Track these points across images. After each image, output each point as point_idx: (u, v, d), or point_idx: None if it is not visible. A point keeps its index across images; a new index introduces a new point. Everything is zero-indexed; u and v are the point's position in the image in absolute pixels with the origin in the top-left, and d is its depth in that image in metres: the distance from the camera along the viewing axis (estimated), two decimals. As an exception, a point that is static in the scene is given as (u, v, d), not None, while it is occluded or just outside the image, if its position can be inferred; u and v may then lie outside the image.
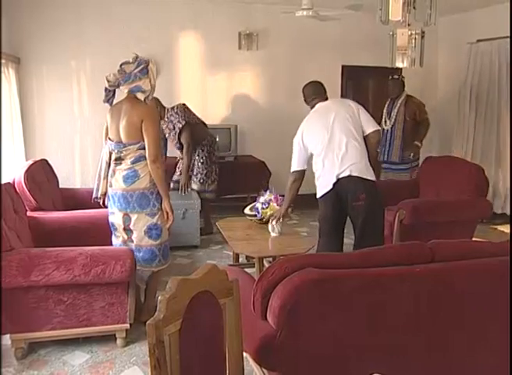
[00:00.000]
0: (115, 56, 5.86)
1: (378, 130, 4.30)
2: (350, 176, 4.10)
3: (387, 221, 5.25)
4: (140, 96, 3.65)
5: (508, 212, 7.05)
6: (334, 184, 4.14)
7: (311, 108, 4.40)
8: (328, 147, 4.18)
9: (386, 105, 6.69)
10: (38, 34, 6.62)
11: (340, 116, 4.19)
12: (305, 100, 4.44)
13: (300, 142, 4.27)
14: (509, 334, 2.54)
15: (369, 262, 2.47)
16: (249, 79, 7.65)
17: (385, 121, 6.62)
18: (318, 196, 4.30)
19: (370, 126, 4.24)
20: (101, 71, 6.56)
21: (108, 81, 3.68)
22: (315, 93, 4.39)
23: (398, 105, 6.50)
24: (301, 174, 4.34)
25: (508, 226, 6.84)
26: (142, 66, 3.62)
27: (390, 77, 6.58)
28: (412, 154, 6.52)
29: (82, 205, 4.63)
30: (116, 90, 3.79)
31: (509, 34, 6.64)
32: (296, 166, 4.32)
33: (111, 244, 3.84)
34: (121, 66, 3.68)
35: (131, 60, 3.67)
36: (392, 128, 6.55)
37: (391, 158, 6.59)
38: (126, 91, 3.66)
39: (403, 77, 6.57)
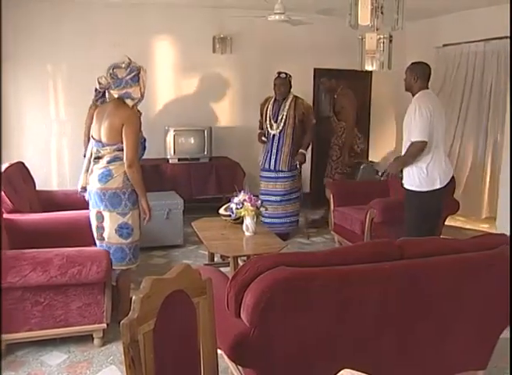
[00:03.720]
0: (91, 60, 5.94)
1: None
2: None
3: (358, 220, 5.40)
4: (129, 102, 3.71)
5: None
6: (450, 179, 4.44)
7: (415, 90, 4.41)
8: (442, 139, 4.42)
9: (271, 107, 6.13)
10: (15, 38, 6.58)
11: (445, 117, 4.54)
12: (415, 78, 4.40)
13: (431, 113, 4.26)
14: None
15: (340, 260, 2.55)
16: (223, 82, 7.70)
17: (271, 125, 6.09)
18: (436, 186, 4.35)
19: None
20: (77, 74, 6.64)
21: (100, 83, 3.73)
22: (426, 77, 4.44)
23: (286, 107, 6.02)
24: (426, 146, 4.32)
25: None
26: (134, 74, 3.68)
27: (277, 75, 6.04)
28: (297, 162, 6.15)
29: (59, 207, 4.64)
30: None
31: (475, 39, 6.85)
32: (425, 135, 4.25)
33: (89, 245, 3.87)
34: (113, 69, 3.72)
35: (123, 65, 3.71)
36: (281, 133, 6.04)
37: (279, 167, 6.09)
38: (116, 96, 3.71)
39: (290, 76, 6.06)
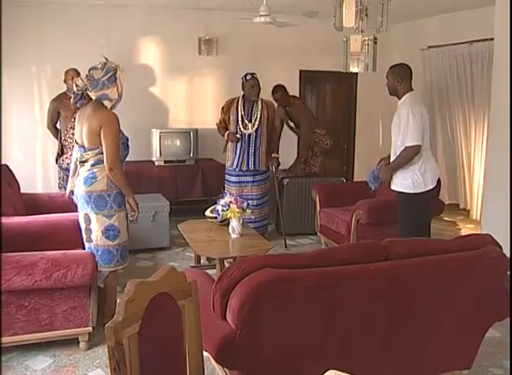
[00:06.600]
0: (76, 61, 5.90)
1: None
2: None
3: (344, 221, 5.41)
4: (107, 104, 3.69)
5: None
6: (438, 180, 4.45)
7: (402, 92, 4.32)
8: (428, 142, 4.40)
9: (242, 107, 5.94)
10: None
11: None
12: (398, 81, 4.30)
13: (423, 115, 4.22)
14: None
15: (325, 262, 2.55)
16: (209, 83, 7.73)
17: (245, 125, 5.91)
18: (428, 187, 4.34)
19: None
20: (62, 76, 6.59)
21: (77, 86, 3.71)
22: (410, 77, 4.35)
23: (259, 106, 5.93)
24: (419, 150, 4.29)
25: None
26: (110, 74, 3.66)
27: (250, 76, 5.87)
28: (273, 165, 6.14)
29: (44, 210, 4.59)
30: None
31: (459, 41, 6.94)
32: (420, 139, 4.20)
33: (74, 248, 3.82)
34: (89, 70, 3.70)
35: (99, 66, 3.69)
36: (257, 132, 5.92)
37: (258, 167, 5.99)
38: (94, 97, 3.71)
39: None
